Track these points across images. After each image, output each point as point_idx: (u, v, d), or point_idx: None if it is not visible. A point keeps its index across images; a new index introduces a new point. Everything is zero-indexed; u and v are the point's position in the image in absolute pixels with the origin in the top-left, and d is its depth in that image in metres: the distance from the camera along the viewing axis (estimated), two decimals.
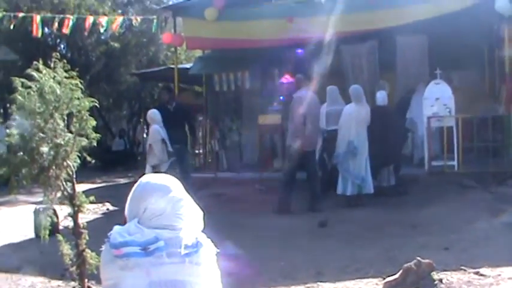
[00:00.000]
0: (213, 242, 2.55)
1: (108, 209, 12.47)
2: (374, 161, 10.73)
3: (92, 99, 5.68)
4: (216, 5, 13.53)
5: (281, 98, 13.19)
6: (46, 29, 18.46)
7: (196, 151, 16.91)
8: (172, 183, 2.54)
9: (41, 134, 5.38)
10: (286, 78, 12.95)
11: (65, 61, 5.61)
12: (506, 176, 11.21)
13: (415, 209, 9.94)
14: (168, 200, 2.47)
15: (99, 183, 17.63)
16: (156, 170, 9.77)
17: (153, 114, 10.74)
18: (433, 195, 10.62)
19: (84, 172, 8.45)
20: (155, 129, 10.50)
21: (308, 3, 12.63)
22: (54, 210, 6.10)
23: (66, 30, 15.74)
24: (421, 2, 12.07)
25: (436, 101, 11.85)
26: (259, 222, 9.81)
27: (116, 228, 2.45)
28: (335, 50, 12.34)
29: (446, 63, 12.50)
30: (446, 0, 11.92)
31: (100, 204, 12.21)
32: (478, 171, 11.55)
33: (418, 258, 6.01)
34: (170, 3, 22.65)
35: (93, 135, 5.60)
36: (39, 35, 15.81)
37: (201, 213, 2.58)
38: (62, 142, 5.44)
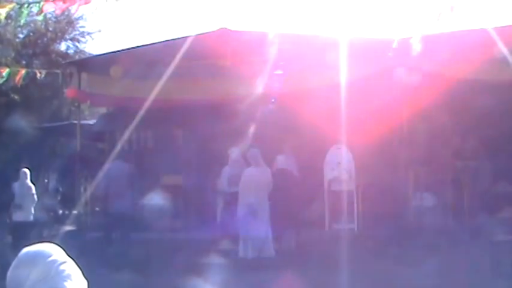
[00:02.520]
0: None
1: None
2: (275, 224, 10.79)
3: None
4: (122, 63, 13.47)
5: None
6: None
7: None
8: (52, 248, 2.48)
9: None
10: None
11: None
12: (404, 240, 11.49)
13: (316, 272, 10.00)
14: (50, 264, 2.40)
15: None
16: None
17: None
18: (333, 258, 10.72)
19: None
20: None
21: (213, 66, 12.77)
22: None
23: None
24: (325, 69, 12.43)
25: (337, 165, 12.11)
26: None
27: None
28: (240, 111, 12.47)
29: (349, 127, 12.82)
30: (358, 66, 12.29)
31: None
32: (377, 234, 11.78)
33: None
34: (76, 57, 22.41)
35: None
36: None
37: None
38: None
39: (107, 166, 12.30)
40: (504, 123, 13.14)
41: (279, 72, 12.57)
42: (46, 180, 19.39)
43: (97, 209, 14.87)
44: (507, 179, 13.03)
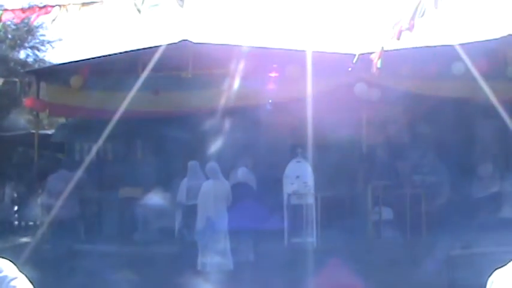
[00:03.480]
0: None
1: None
2: (234, 237, 10.77)
3: None
4: (82, 73, 13.34)
5: None
6: None
7: None
8: (2, 264, 2.41)
9: None
10: None
11: None
12: (362, 253, 11.56)
13: (274, 286, 9.99)
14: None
15: None
16: None
17: None
18: (292, 272, 10.73)
19: None
20: None
21: (174, 78, 12.73)
22: None
23: None
24: (286, 82, 12.48)
25: (297, 179, 12.14)
26: None
27: None
28: (199, 125, 12.44)
29: (308, 141, 12.86)
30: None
31: None
32: (336, 247, 11.82)
33: None
34: (36, 66, 22.13)
35: None
36: None
37: None
38: None
39: (51, 176, 12.15)
40: (462, 138, 13.35)
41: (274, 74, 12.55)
42: (2, 191, 19.03)
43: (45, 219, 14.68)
44: (464, 193, 13.22)
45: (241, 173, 11.57)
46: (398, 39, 9.37)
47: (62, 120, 18.28)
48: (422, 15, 8.96)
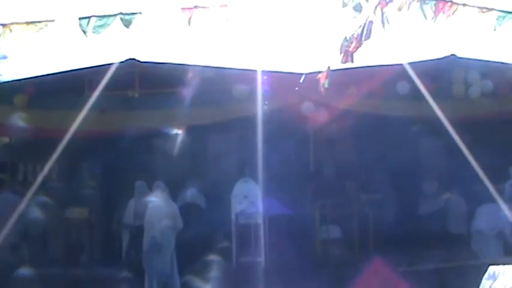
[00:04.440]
0: None
1: None
2: (182, 258, 10.69)
3: None
4: (27, 92, 13.10)
5: None
6: None
7: None
8: None
9: None
10: None
11: None
12: (311, 272, 11.58)
13: None
14: None
15: None
16: None
17: None
18: None
19: None
20: None
21: (121, 97, 12.61)
22: None
23: None
24: (235, 102, 12.47)
25: (245, 198, 12.12)
26: None
27: None
28: (147, 145, 12.35)
29: (258, 161, 12.87)
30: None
31: None
32: (284, 266, 11.81)
33: None
34: None
35: None
36: None
37: None
38: None
39: None
40: (409, 156, 13.52)
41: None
42: None
43: None
44: (411, 211, 13.40)
45: (190, 194, 11.50)
46: (346, 61, 9.49)
47: (6, 139, 17.88)
48: (369, 37, 9.08)
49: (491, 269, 5.63)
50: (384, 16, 8.77)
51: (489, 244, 11.79)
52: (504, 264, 5.61)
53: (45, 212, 14.55)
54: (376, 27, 9.00)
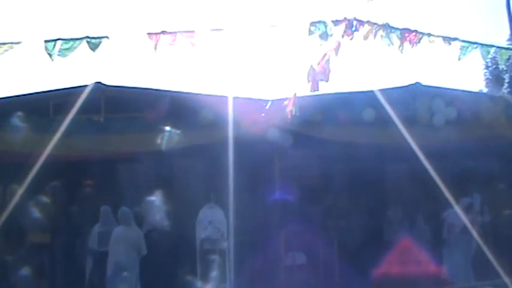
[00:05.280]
0: None
1: None
2: (145, 284, 10.59)
3: None
4: None
5: None
6: None
7: None
8: None
9: None
10: None
11: None
12: None
13: None
14: None
15: None
16: None
17: None
18: None
19: None
20: None
21: (86, 121, 12.51)
22: None
23: None
24: (201, 127, 12.46)
25: (210, 224, 12.08)
26: None
27: None
28: (112, 169, 12.25)
29: (223, 187, 12.84)
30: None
31: None
32: None
33: None
34: None
35: None
36: None
37: None
38: None
39: None
40: (374, 183, 13.61)
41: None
42: None
43: None
44: (376, 236, 13.47)
45: (155, 219, 11.40)
46: (314, 90, 9.52)
47: None
48: (328, 68, 9.14)
49: None
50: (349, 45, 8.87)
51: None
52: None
53: (5, 236, 14.34)
54: (342, 56, 9.08)
